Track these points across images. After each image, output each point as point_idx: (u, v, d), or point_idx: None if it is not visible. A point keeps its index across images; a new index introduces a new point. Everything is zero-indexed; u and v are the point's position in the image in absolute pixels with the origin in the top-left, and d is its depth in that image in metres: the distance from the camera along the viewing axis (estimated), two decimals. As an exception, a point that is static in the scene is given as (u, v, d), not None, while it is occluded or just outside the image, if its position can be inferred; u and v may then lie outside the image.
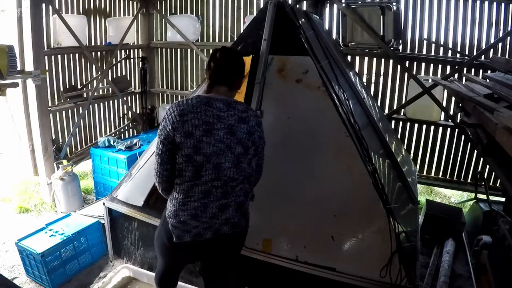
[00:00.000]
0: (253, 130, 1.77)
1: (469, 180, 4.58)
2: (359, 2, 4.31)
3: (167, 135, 1.71)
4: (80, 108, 4.90)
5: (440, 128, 4.55)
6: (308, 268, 2.32)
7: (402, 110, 4.58)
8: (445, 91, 4.22)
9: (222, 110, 1.72)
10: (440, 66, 4.39)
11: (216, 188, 1.75)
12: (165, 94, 6.06)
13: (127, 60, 5.73)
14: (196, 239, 1.78)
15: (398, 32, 4.24)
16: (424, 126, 4.63)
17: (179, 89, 5.91)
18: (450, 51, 4.34)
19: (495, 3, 4.06)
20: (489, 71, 3.78)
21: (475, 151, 4.39)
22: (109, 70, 5.37)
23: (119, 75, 5.64)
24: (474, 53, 4.15)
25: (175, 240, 1.79)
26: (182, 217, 1.75)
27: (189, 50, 5.64)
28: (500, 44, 4.07)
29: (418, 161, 4.71)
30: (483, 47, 4.13)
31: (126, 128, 5.81)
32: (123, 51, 5.55)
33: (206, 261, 2.00)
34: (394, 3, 4.14)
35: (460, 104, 3.57)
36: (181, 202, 1.76)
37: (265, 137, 1.93)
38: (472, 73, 4.15)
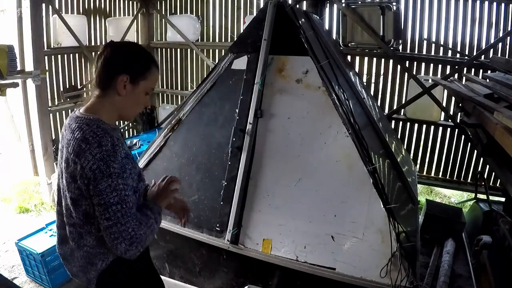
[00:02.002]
0: (69, 158, 1.29)
1: (469, 180, 4.58)
2: (359, 2, 4.31)
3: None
4: (80, 108, 4.90)
5: (440, 128, 4.55)
6: (308, 268, 2.32)
7: (402, 110, 4.58)
8: (445, 91, 4.22)
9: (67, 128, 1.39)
10: (440, 66, 4.39)
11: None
12: (165, 94, 6.06)
13: (127, 60, 5.72)
14: None
15: (398, 32, 4.24)
16: (424, 126, 4.63)
17: (179, 89, 5.92)
18: (450, 51, 4.34)
19: (495, 3, 4.06)
20: (489, 71, 3.78)
21: (475, 151, 4.39)
22: (109, 70, 5.36)
23: (119, 75, 5.64)
24: (474, 53, 4.16)
25: None
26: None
27: (189, 50, 5.64)
28: (500, 44, 4.07)
29: (418, 161, 4.71)
30: (483, 47, 4.13)
31: (126, 128, 5.81)
32: (123, 51, 5.54)
33: None
34: (394, 3, 4.14)
35: (460, 104, 3.57)
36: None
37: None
38: (472, 73, 4.15)
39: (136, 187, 1.38)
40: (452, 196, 4.87)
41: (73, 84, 4.93)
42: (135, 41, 5.69)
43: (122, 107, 1.41)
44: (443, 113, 4.47)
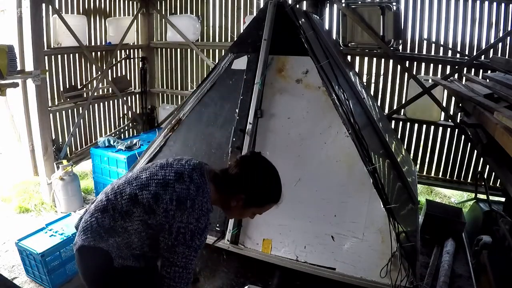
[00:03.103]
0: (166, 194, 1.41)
1: (469, 180, 4.57)
2: (359, 2, 4.31)
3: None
4: (80, 108, 4.90)
5: (440, 128, 4.55)
6: (308, 268, 2.32)
7: (402, 110, 4.58)
8: (445, 91, 4.22)
9: None
10: (440, 66, 4.38)
11: None
12: (165, 94, 6.06)
13: (127, 60, 5.73)
14: None
15: (398, 32, 4.24)
16: (424, 126, 4.63)
17: (179, 89, 5.91)
18: (450, 51, 4.34)
19: (495, 3, 4.06)
20: (489, 71, 3.78)
21: (475, 151, 4.39)
22: (109, 70, 5.37)
23: (119, 75, 5.64)
24: (474, 53, 4.15)
25: None
26: None
27: (189, 50, 5.64)
28: (500, 44, 4.07)
29: (418, 161, 4.71)
30: (483, 47, 4.12)
31: (126, 128, 5.81)
32: (123, 51, 5.54)
33: None
34: (394, 3, 4.14)
35: (460, 104, 3.57)
36: None
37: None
38: (472, 73, 4.15)
39: (201, 245, 1.43)
40: (452, 196, 4.87)
41: (73, 84, 4.93)
42: (135, 41, 5.69)
43: (228, 209, 1.54)
44: (443, 113, 4.47)
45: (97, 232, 1.44)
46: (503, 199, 3.52)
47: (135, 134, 5.57)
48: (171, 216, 1.34)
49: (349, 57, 4.62)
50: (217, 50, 5.43)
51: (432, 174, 4.72)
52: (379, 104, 4.59)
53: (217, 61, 4.33)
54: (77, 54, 4.91)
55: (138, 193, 1.39)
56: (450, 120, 4.37)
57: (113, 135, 5.42)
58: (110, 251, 1.42)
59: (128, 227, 1.40)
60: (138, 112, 5.87)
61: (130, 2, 5.57)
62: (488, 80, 3.24)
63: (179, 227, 1.33)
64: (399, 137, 4.58)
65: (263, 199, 1.51)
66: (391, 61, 4.56)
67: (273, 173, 1.53)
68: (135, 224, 1.40)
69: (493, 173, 4.31)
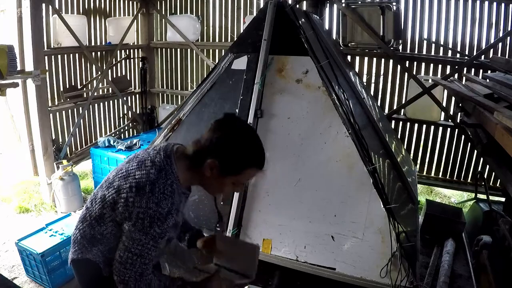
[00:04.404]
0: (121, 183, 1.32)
1: (469, 180, 4.58)
2: (359, 2, 4.31)
3: None
4: (80, 108, 4.90)
5: (440, 128, 4.55)
6: (308, 268, 2.32)
7: (402, 110, 4.58)
8: (445, 91, 4.22)
9: None
10: (440, 66, 4.39)
11: None
12: (165, 94, 6.06)
13: (127, 60, 5.73)
14: None
15: (398, 32, 4.24)
16: (424, 126, 4.63)
17: (179, 89, 5.91)
18: (450, 51, 4.34)
19: (495, 3, 4.06)
20: (489, 71, 3.78)
21: (475, 151, 4.39)
22: (109, 70, 5.37)
23: (119, 75, 5.64)
24: (474, 53, 4.15)
25: None
26: None
27: (189, 50, 5.64)
28: (500, 44, 4.07)
29: (418, 161, 4.71)
30: (483, 47, 4.13)
31: (126, 128, 5.81)
32: (123, 51, 5.55)
33: None
34: (394, 3, 4.14)
35: (460, 104, 3.57)
36: None
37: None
38: (472, 73, 4.15)
39: (163, 233, 1.28)
40: (452, 196, 4.87)
41: (73, 84, 4.93)
42: (135, 41, 5.69)
43: (205, 183, 1.36)
44: (443, 113, 4.47)
45: (82, 244, 1.40)
46: (503, 199, 3.52)
47: (135, 134, 5.57)
48: (131, 204, 1.23)
49: (349, 57, 4.62)
50: (217, 50, 5.43)
51: (432, 174, 4.72)
52: (379, 104, 4.59)
53: (217, 61, 4.32)
54: (77, 54, 4.91)
55: (106, 193, 1.32)
56: (450, 120, 4.38)
57: (113, 135, 5.42)
58: (97, 261, 1.38)
59: (104, 231, 1.34)
60: (138, 112, 5.87)
61: (130, 2, 5.57)
62: (488, 80, 3.24)
63: (138, 212, 1.21)
64: (399, 137, 4.58)
65: (240, 163, 1.29)
66: (391, 61, 4.56)
67: (249, 133, 1.35)
68: (109, 227, 1.32)
69: (493, 173, 4.31)
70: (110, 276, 1.31)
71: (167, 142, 1.41)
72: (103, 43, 5.24)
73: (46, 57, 4.30)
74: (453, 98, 4.32)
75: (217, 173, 1.28)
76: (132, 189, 1.24)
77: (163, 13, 5.60)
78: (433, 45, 4.38)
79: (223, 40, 5.39)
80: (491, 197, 3.57)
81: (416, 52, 4.48)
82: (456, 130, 4.43)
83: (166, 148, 1.33)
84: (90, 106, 5.06)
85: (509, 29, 4.00)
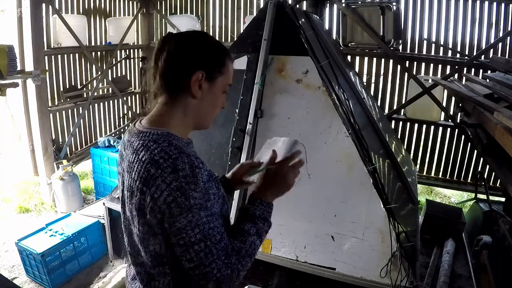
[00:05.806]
0: (134, 186, 1.01)
1: (469, 180, 4.58)
2: (359, 2, 4.31)
3: None
4: (80, 108, 4.90)
5: (440, 128, 4.55)
6: (308, 268, 2.32)
7: (402, 110, 4.58)
8: (445, 91, 4.22)
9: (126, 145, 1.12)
10: (440, 66, 4.39)
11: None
12: (165, 94, 6.05)
13: (127, 60, 5.73)
14: None
15: (398, 32, 4.24)
16: (424, 126, 4.63)
17: (179, 89, 5.91)
18: (450, 51, 4.34)
19: (495, 3, 4.06)
20: (489, 71, 3.78)
21: (475, 151, 4.39)
22: (109, 70, 5.37)
23: (119, 75, 5.64)
24: (474, 53, 4.16)
25: None
26: None
27: (189, 50, 5.64)
28: (500, 44, 4.07)
29: (418, 161, 4.71)
30: (483, 47, 4.13)
31: (126, 128, 5.81)
32: (123, 51, 5.55)
33: None
34: (394, 3, 4.14)
35: (460, 104, 3.57)
36: None
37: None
38: (472, 73, 4.15)
39: (207, 194, 1.00)
40: (452, 196, 4.87)
41: (73, 84, 4.93)
42: (135, 41, 5.69)
43: (199, 112, 1.11)
44: (443, 113, 4.47)
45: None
46: (503, 199, 3.52)
47: (135, 134, 5.57)
48: (149, 199, 0.97)
49: (349, 57, 4.62)
50: (217, 50, 5.43)
51: (432, 174, 4.72)
52: (379, 104, 4.59)
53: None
54: (77, 54, 4.91)
55: (132, 228, 1.10)
56: (450, 120, 4.38)
57: (113, 135, 5.42)
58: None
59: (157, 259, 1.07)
60: (138, 112, 5.87)
61: (130, 2, 5.57)
62: (488, 80, 3.24)
63: (164, 200, 0.94)
64: (399, 137, 4.58)
65: (219, 58, 1.09)
66: (391, 61, 4.56)
67: (194, 31, 1.13)
68: (157, 248, 1.05)
69: (493, 173, 4.31)
70: None
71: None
72: (103, 43, 5.24)
73: (46, 57, 4.30)
74: (453, 98, 4.32)
75: (206, 84, 1.07)
76: (136, 182, 1.00)
77: (163, 13, 5.60)
78: (433, 45, 4.38)
79: (223, 40, 5.39)
80: (491, 197, 3.57)
81: (416, 52, 4.48)
82: (456, 130, 4.43)
83: (130, 136, 1.09)
84: (90, 106, 5.06)
85: (509, 29, 4.00)
